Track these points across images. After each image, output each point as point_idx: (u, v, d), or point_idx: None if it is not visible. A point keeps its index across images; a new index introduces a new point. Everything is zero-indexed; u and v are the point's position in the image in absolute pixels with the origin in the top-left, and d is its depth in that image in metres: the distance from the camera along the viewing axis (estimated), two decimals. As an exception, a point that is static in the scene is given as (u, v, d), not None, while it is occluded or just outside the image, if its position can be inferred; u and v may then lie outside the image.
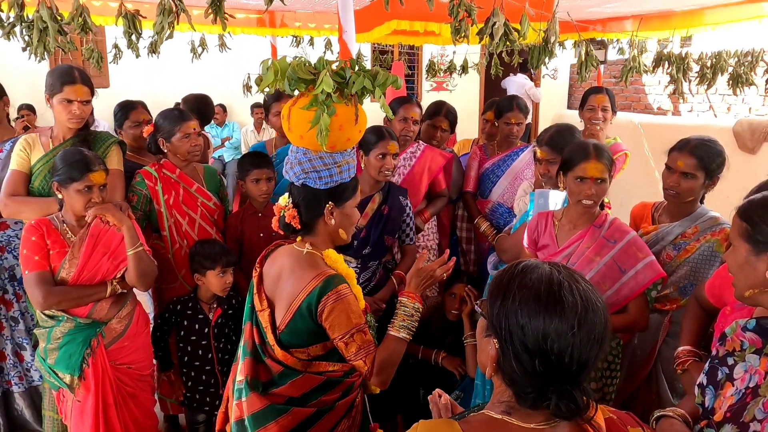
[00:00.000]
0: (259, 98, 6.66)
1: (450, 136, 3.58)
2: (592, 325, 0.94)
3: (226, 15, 2.34)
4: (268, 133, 7.06)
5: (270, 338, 1.69)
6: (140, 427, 2.40)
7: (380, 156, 2.62)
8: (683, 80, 4.59)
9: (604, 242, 2.11)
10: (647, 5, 4.25)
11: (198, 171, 2.81)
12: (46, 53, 2.58)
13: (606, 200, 2.44)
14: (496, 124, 3.45)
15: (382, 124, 2.95)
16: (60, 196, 2.22)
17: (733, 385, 1.32)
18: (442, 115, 3.42)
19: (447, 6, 2.44)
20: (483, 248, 3.42)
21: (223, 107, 7.88)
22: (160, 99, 5.95)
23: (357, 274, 2.63)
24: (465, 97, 9.46)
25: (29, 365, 2.82)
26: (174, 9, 2.35)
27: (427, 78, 7.50)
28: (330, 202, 1.69)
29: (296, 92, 1.68)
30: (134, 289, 2.40)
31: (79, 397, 2.27)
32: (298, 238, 1.77)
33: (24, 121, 2.63)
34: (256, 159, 2.85)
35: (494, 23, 2.49)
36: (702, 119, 7.13)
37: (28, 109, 6.57)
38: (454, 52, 6.60)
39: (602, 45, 5.93)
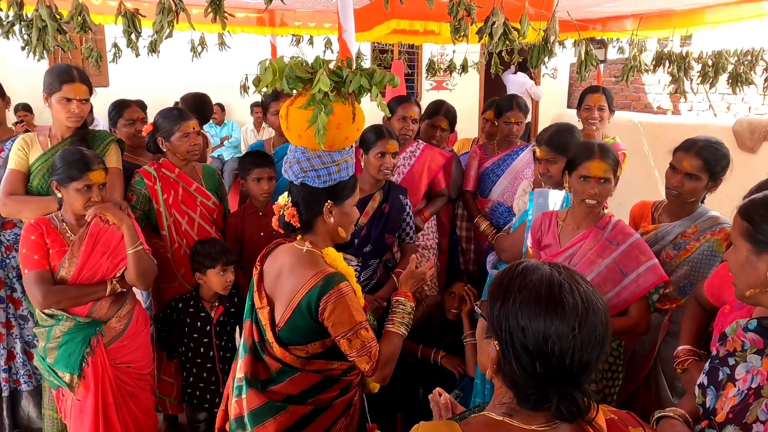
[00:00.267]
0: (258, 97, 6.66)
1: (449, 136, 3.58)
2: (593, 326, 0.93)
3: (225, 14, 2.34)
4: (268, 132, 7.06)
5: (269, 335, 1.70)
6: (140, 426, 2.40)
7: (379, 155, 2.62)
8: (685, 79, 4.58)
9: (607, 244, 2.11)
10: (647, 4, 4.25)
11: (197, 170, 2.81)
12: (45, 52, 2.57)
13: None
14: (496, 123, 3.45)
15: (381, 123, 2.95)
16: (59, 195, 2.22)
17: (735, 386, 1.31)
18: (442, 114, 3.41)
19: (447, 5, 2.44)
20: (483, 247, 3.42)
21: (221, 106, 7.87)
22: (159, 98, 5.95)
23: (358, 273, 2.64)
24: (465, 97, 9.45)
25: (38, 364, 2.83)
26: (173, 8, 2.35)
27: (426, 77, 7.49)
28: (329, 201, 1.70)
29: (294, 92, 1.68)
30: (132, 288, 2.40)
31: (78, 396, 2.27)
32: (299, 237, 1.78)
33: (24, 126, 2.63)
34: (258, 158, 2.85)
35: (494, 22, 2.49)
36: (702, 118, 7.13)
37: (24, 110, 6.55)
38: (453, 51, 6.58)
39: (602, 44, 5.92)
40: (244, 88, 5.69)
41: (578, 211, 2.19)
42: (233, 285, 2.66)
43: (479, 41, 2.66)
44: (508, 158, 3.32)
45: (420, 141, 3.24)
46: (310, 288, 1.61)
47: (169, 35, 2.48)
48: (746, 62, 4.62)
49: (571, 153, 2.20)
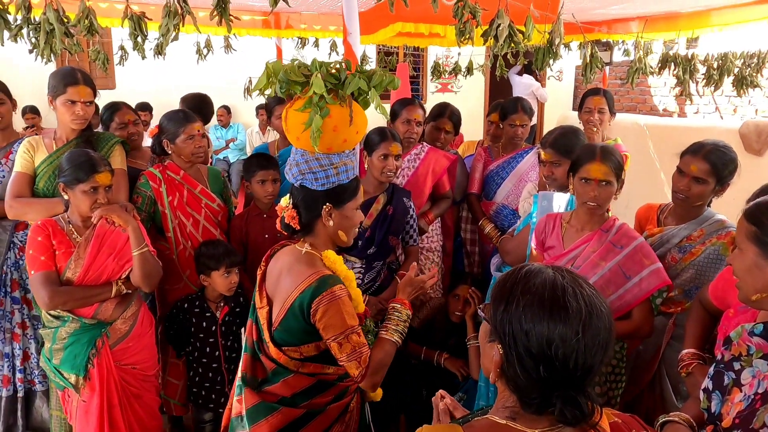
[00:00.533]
0: (263, 99, 6.68)
1: (454, 138, 3.57)
2: (596, 330, 0.93)
3: (231, 17, 2.35)
4: (273, 135, 7.07)
5: (266, 335, 1.71)
6: (144, 428, 2.41)
7: (382, 157, 2.62)
8: (690, 82, 4.57)
9: (611, 247, 2.10)
10: (653, 7, 4.24)
11: (202, 172, 2.82)
12: (52, 55, 2.59)
13: None
14: (501, 125, 3.44)
15: (385, 125, 2.95)
16: (66, 197, 2.23)
17: (741, 391, 1.31)
18: (446, 116, 3.41)
19: (452, 8, 2.44)
20: (487, 250, 3.41)
21: (227, 109, 7.90)
22: (165, 100, 5.97)
23: (361, 275, 2.64)
24: (470, 99, 9.45)
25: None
26: (179, 11, 2.37)
27: (432, 79, 7.51)
28: (327, 204, 1.70)
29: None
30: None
31: (84, 397, 2.28)
32: (301, 239, 1.78)
33: (34, 131, 2.65)
34: (263, 160, 2.86)
35: (499, 25, 2.49)
36: (708, 121, 7.10)
37: (32, 112, 6.60)
38: (459, 54, 6.59)
39: (608, 46, 5.92)
40: (248, 91, 5.71)
41: (582, 214, 2.19)
42: (238, 285, 2.67)
43: (484, 44, 2.66)
44: (512, 161, 3.32)
45: (424, 143, 3.24)
46: (304, 289, 1.61)
47: (175, 38, 2.50)
48: (752, 65, 4.61)
49: (575, 155, 2.20)
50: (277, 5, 2.17)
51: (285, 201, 1.77)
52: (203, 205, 2.73)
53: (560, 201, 2.46)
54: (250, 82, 5.76)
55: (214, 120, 7.78)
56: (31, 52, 2.67)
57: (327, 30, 5.27)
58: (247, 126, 8.10)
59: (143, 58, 4.04)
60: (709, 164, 2.12)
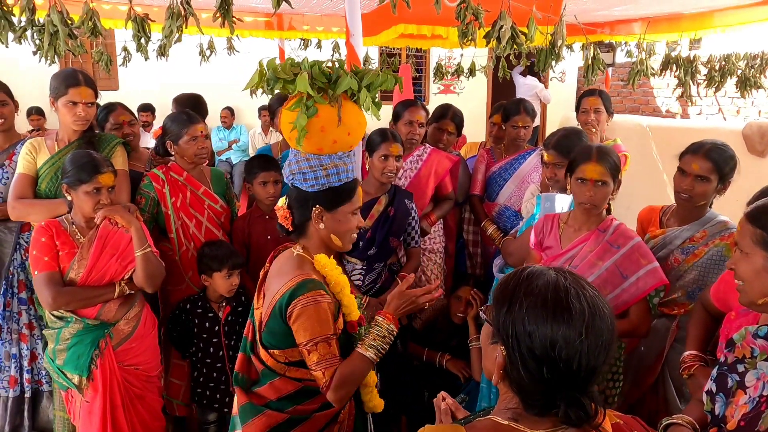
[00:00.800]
0: (266, 100, 6.69)
1: (456, 139, 3.58)
2: (599, 331, 0.93)
3: (234, 18, 2.36)
4: (276, 136, 7.08)
5: (257, 336, 1.71)
6: (147, 428, 2.41)
7: (383, 157, 2.62)
8: (691, 83, 4.56)
9: (608, 246, 2.11)
10: (655, 8, 4.23)
11: (205, 174, 2.83)
12: (56, 56, 2.60)
13: None
14: (504, 127, 3.44)
15: (388, 126, 2.96)
16: (69, 198, 2.24)
17: (746, 393, 1.30)
18: (449, 118, 3.42)
19: (454, 10, 2.44)
20: (489, 251, 3.41)
21: (230, 110, 7.92)
22: (168, 101, 5.97)
23: (362, 276, 2.65)
24: (472, 100, 9.45)
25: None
26: (183, 13, 2.37)
27: (434, 81, 7.51)
28: (318, 206, 1.66)
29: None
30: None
31: (87, 397, 2.29)
32: (298, 241, 1.77)
33: (39, 133, 2.65)
34: (264, 162, 2.87)
35: (501, 27, 2.49)
36: (711, 122, 7.09)
37: (37, 113, 6.63)
38: (461, 55, 6.59)
39: (610, 48, 5.91)
40: (253, 90, 5.72)
41: (579, 214, 2.20)
42: (240, 285, 2.67)
43: (487, 45, 2.66)
44: (515, 162, 3.32)
45: (427, 145, 3.25)
46: (284, 292, 1.60)
47: (179, 40, 2.51)
48: (756, 66, 4.60)
49: (572, 155, 2.21)
50: (280, 6, 2.17)
51: (282, 201, 1.76)
52: (206, 206, 2.74)
53: (563, 202, 2.46)
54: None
55: (216, 121, 7.80)
56: (35, 53, 2.69)
57: (330, 31, 5.28)
58: (250, 127, 8.11)
59: (146, 59, 4.05)
60: (710, 162, 2.12)
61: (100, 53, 4.99)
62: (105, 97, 3.01)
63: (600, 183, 2.07)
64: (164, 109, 3.35)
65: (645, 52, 4.23)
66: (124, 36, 5.03)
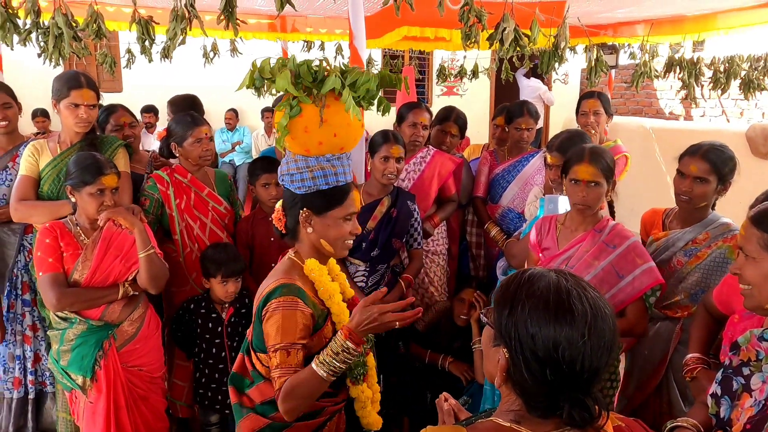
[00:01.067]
0: (269, 102, 6.70)
1: (460, 142, 3.58)
2: (601, 332, 0.93)
3: (238, 20, 2.37)
4: (279, 138, 7.09)
5: (249, 338, 1.72)
6: (151, 429, 2.41)
7: (383, 159, 2.63)
8: (695, 85, 4.56)
9: (604, 246, 2.12)
10: (658, 10, 4.23)
11: (209, 175, 2.83)
12: (60, 58, 2.62)
13: None
14: (507, 129, 3.44)
15: (392, 129, 2.96)
16: (73, 199, 2.25)
17: (751, 396, 1.30)
18: (452, 120, 3.42)
19: (457, 12, 2.45)
20: (493, 253, 3.41)
21: (235, 112, 7.94)
22: (172, 103, 6.00)
23: (365, 278, 2.65)
24: (475, 102, 9.45)
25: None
26: (187, 15, 2.38)
27: (437, 83, 7.52)
28: (305, 209, 1.62)
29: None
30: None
31: (91, 398, 2.29)
32: (294, 245, 1.75)
33: (45, 136, 2.66)
34: (266, 163, 2.87)
35: (504, 29, 2.50)
36: (715, 124, 7.08)
37: (42, 115, 6.66)
38: (464, 57, 6.60)
39: (613, 49, 5.91)
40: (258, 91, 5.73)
41: (575, 215, 2.21)
42: (244, 287, 2.68)
43: (490, 47, 2.67)
44: (518, 164, 3.32)
45: (430, 147, 3.25)
46: (264, 294, 1.59)
47: (182, 42, 2.52)
48: (759, 68, 4.59)
49: (566, 157, 2.22)
50: (283, 9, 2.18)
51: (280, 203, 1.74)
52: (210, 208, 2.74)
53: (566, 204, 2.45)
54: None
55: (217, 123, 7.82)
56: (40, 55, 2.70)
57: (333, 33, 5.29)
58: (253, 129, 8.13)
59: (150, 61, 4.07)
60: (708, 163, 2.12)
61: (104, 55, 5.01)
62: (109, 99, 3.02)
63: (592, 184, 2.08)
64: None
65: (648, 54, 4.23)
66: (127, 38, 5.06)
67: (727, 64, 4.65)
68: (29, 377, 2.76)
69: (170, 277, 2.43)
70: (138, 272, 2.27)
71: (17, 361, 2.74)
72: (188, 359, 2.74)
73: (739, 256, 1.42)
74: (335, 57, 5.96)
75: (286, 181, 1.64)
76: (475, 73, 6.23)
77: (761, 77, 4.66)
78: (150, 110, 7.06)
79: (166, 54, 4.17)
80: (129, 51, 5.43)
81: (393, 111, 3.47)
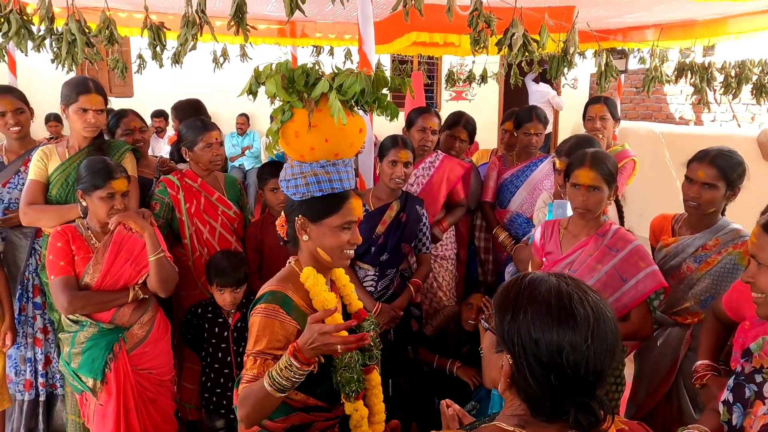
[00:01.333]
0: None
1: (469, 147, 3.58)
2: (604, 335, 0.93)
3: (248, 26, 2.38)
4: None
5: None
6: (160, 432, 2.43)
7: (391, 163, 2.64)
8: (708, 90, 4.53)
9: (607, 250, 2.12)
10: (668, 14, 4.21)
11: (219, 180, 2.85)
12: (73, 64, 2.65)
13: None
14: (515, 134, 3.44)
15: (401, 133, 2.97)
16: (84, 203, 2.27)
17: (765, 404, 1.29)
18: (461, 125, 3.42)
19: (466, 18, 2.45)
20: (501, 258, 3.41)
21: (246, 117, 8.00)
22: (182, 108, 6.05)
23: (374, 282, 2.65)
24: (484, 107, 9.45)
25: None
26: (198, 21, 2.41)
27: (446, 87, 7.51)
28: (300, 216, 1.60)
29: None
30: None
31: (101, 401, 2.31)
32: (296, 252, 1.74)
33: (57, 141, 2.69)
34: (274, 168, 2.88)
35: (513, 34, 2.50)
36: (725, 129, 7.03)
37: (56, 120, 6.75)
38: (473, 62, 6.60)
39: (623, 54, 5.89)
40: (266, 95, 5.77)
41: (577, 219, 2.21)
42: (252, 292, 2.68)
43: (499, 53, 2.67)
44: (527, 169, 3.31)
45: (439, 152, 3.26)
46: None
47: (193, 47, 2.54)
48: (771, 73, 4.55)
49: (569, 161, 2.22)
50: (293, 14, 2.19)
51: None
52: (220, 213, 2.76)
53: (575, 209, 2.45)
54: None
55: (230, 127, 7.87)
56: (53, 61, 2.74)
57: (342, 39, 5.31)
58: (263, 133, 8.17)
59: (161, 66, 4.10)
60: (716, 169, 2.11)
61: (116, 61, 5.07)
62: (119, 104, 3.05)
63: (593, 188, 2.08)
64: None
65: (658, 59, 4.21)
66: (139, 43, 5.11)
67: (738, 69, 4.62)
68: (40, 379, 2.79)
69: (179, 281, 2.44)
70: (148, 276, 2.29)
71: (28, 364, 2.77)
72: (201, 361, 2.75)
73: (751, 264, 1.41)
74: (344, 62, 5.98)
75: (284, 186, 1.63)
76: (484, 78, 6.23)
77: (773, 82, 4.61)
78: (160, 115, 7.12)
79: (176, 59, 4.20)
80: (140, 56, 5.48)
81: (402, 116, 3.47)
